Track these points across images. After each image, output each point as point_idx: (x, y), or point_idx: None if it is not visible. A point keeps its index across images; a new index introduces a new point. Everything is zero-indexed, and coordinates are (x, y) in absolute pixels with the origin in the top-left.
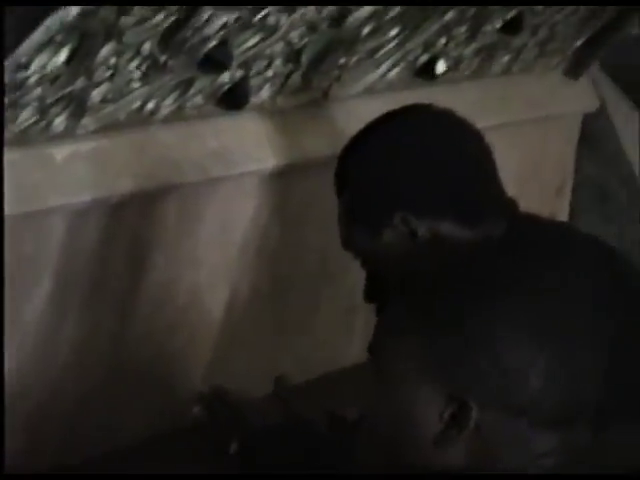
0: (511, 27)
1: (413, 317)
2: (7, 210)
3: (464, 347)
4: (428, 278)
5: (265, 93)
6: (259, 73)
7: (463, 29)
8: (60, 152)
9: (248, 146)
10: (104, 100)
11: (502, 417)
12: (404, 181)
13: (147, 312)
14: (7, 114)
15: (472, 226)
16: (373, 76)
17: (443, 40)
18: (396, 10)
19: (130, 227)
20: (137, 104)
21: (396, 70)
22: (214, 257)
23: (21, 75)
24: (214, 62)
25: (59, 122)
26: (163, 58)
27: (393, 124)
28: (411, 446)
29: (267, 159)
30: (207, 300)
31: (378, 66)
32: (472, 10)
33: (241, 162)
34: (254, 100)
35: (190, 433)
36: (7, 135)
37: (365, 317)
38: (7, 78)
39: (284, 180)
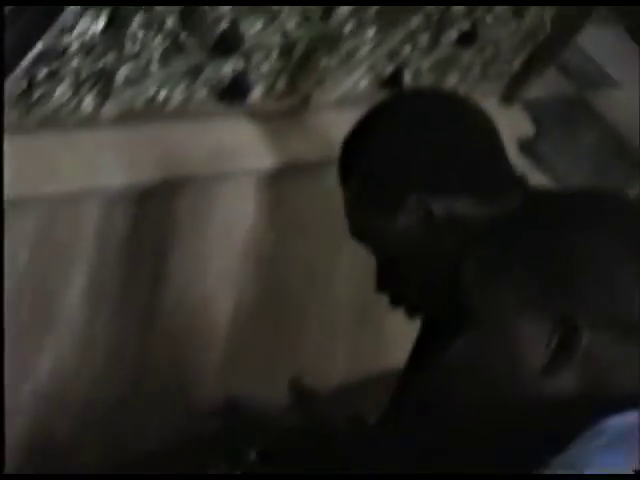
0: (466, 39)
1: (503, 256)
2: (43, 190)
3: (568, 272)
4: (510, 220)
5: (257, 93)
6: (257, 66)
7: (426, 37)
8: (87, 137)
9: (244, 146)
10: (127, 82)
11: (613, 338)
12: (414, 162)
13: (168, 312)
14: (45, 88)
15: (488, 202)
16: (346, 85)
17: (408, 48)
18: (374, 8)
19: (153, 219)
20: (152, 91)
21: (366, 80)
22: (220, 261)
23: (64, 40)
24: (226, 44)
25: (88, 102)
26: (183, 36)
27: (398, 106)
28: (518, 381)
29: (263, 160)
30: (214, 305)
31: (352, 74)
32: (436, 16)
33: (240, 161)
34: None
35: (207, 441)
36: (38, 116)
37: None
38: (50, 44)
39: (279, 182)
